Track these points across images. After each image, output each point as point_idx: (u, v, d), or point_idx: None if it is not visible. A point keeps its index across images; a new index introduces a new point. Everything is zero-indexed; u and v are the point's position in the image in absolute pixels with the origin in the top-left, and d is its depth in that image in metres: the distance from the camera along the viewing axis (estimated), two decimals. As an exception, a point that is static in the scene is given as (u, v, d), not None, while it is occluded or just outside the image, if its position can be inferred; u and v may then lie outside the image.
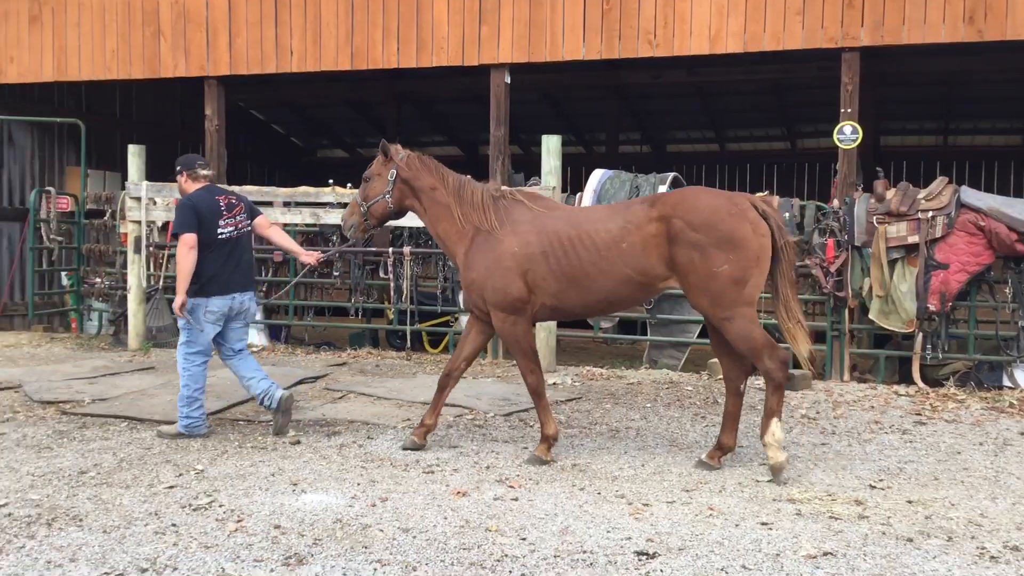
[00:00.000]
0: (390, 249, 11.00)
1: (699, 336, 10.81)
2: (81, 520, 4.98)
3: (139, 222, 11.29)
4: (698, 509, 5.26)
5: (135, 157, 11.50)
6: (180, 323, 6.96)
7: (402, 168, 6.64)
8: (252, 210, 7.24)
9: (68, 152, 15.50)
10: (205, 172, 7.10)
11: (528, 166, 14.71)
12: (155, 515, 5.08)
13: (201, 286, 6.83)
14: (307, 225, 11.53)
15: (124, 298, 11.79)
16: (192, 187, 7.04)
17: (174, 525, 4.92)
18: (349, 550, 4.56)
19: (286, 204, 11.35)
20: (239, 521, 4.99)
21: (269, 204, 11.39)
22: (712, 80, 15.77)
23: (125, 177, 12.40)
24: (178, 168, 7.15)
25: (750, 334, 5.87)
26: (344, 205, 11.02)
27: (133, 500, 5.35)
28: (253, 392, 7.03)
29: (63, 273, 13.84)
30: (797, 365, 10.21)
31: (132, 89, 15.97)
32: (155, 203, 11.30)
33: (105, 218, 12.87)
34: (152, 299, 11.39)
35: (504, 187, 6.70)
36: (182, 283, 6.78)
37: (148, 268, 11.48)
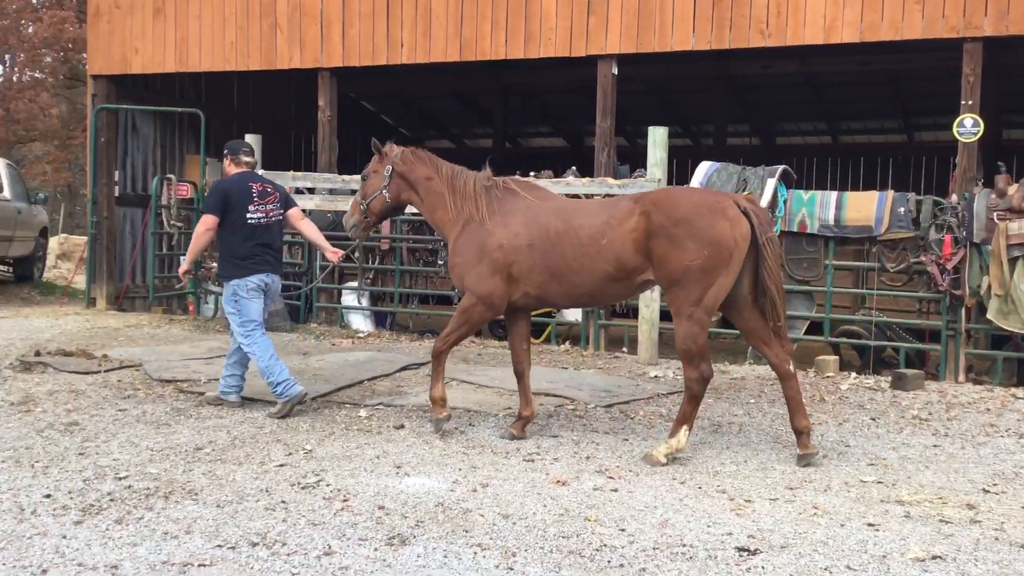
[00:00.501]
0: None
1: (806, 332, 10.61)
2: (196, 494, 5.19)
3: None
4: (802, 507, 5.17)
5: (255, 145, 11.86)
6: (226, 305, 7.41)
7: (397, 163, 6.93)
8: (287, 201, 7.64)
9: (188, 141, 16.09)
10: (247, 159, 7.53)
11: (634, 158, 14.61)
12: (266, 492, 5.26)
13: (236, 267, 7.28)
14: (412, 214, 11.71)
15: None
16: (233, 171, 7.49)
17: (284, 502, 5.08)
18: (450, 533, 4.65)
19: (394, 193, 11.54)
20: (345, 501, 5.13)
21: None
22: (825, 71, 15.39)
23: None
24: (225, 152, 7.59)
25: (696, 338, 5.97)
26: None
27: (245, 477, 5.54)
28: (223, 372, 7.48)
29: (181, 257, 14.36)
30: (911, 364, 9.96)
31: (249, 80, 16.47)
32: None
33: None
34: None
35: (504, 177, 6.90)
36: (191, 254, 7.53)
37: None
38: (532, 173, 11.45)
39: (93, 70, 14.03)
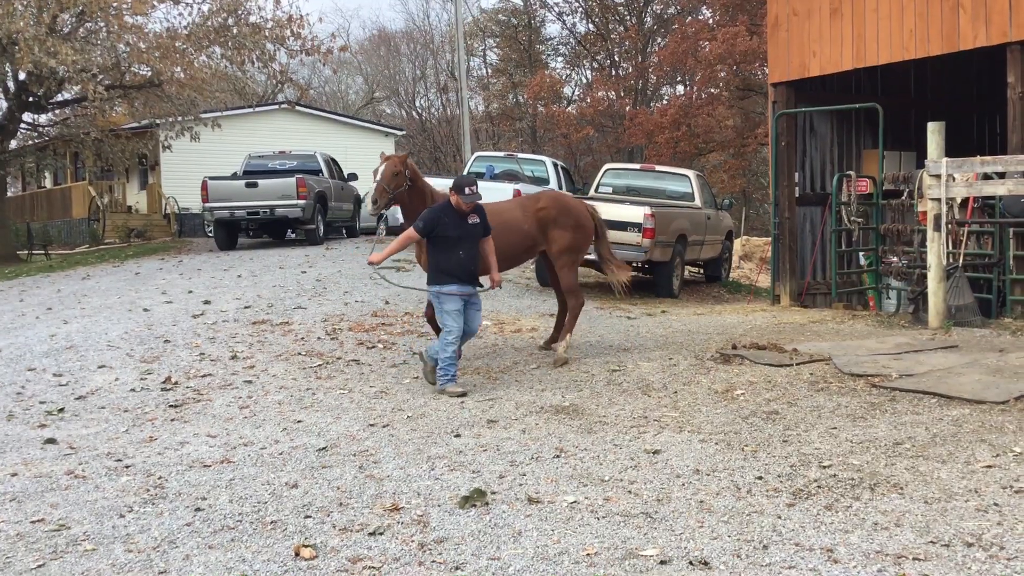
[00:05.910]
0: None
1: None
2: (902, 488, 5.18)
3: (938, 199, 11.15)
4: None
5: (934, 135, 11.36)
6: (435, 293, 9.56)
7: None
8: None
9: (864, 136, 16.07)
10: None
11: None
12: (975, 492, 5.05)
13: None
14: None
15: (922, 276, 11.80)
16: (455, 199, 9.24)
17: (996, 504, 4.83)
18: None
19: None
20: (1069, 511, 4.70)
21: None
22: None
23: (920, 155, 12.41)
24: (451, 189, 9.09)
25: (572, 281, 9.58)
26: None
27: (950, 475, 5.37)
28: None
29: (860, 253, 14.39)
30: None
31: (926, 66, 15.86)
32: (954, 179, 11.06)
33: (902, 198, 13.04)
34: (952, 277, 11.21)
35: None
36: (493, 268, 9.17)
37: (948, 246, 11.31)
38: None
39: (773, 78, 14.72)
